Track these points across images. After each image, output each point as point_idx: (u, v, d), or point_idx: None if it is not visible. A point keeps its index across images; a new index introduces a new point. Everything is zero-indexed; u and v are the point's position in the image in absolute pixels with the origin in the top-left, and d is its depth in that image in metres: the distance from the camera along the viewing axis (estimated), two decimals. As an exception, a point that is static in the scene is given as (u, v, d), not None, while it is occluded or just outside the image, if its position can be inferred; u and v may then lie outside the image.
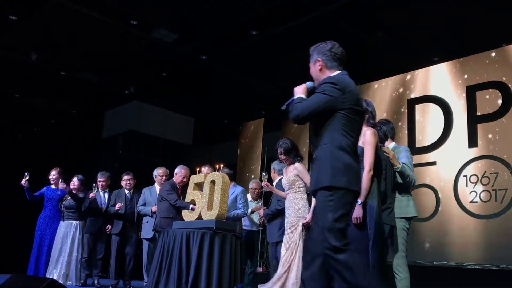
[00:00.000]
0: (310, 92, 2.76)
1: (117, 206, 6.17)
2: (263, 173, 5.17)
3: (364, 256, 3.16)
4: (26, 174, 6.27)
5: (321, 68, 2.74)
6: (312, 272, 2.51)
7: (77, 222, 6.25)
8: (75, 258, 6.13)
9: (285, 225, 4.58)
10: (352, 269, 2.42)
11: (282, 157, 4.70)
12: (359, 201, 3.19)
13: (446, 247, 6.15)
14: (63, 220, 6.25)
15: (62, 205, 6.31)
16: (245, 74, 8.26)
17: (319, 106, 2.58)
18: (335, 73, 2.71)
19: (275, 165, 5.31)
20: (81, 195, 6.28)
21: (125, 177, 6.46)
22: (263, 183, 5.05)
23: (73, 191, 6.26)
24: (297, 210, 4.51)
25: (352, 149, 2.64)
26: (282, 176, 4.92)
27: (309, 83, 2.82)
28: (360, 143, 3.42)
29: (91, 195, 6.20)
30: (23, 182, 6.25)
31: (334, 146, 2.58)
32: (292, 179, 4.59)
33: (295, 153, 4.69)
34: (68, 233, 6.16)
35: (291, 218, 4.51)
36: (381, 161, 3.51)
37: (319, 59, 2.75)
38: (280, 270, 4.35)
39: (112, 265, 6.20)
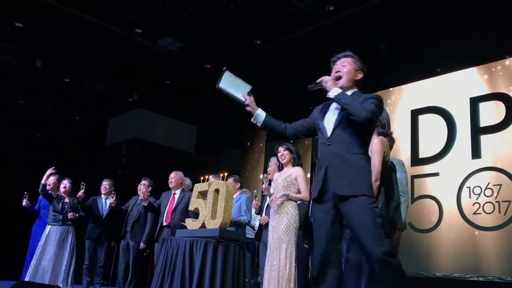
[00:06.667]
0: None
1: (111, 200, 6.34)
2: (264, 175, 4.85)
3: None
4: (25, 194, 6.22)
5: (358, 81, 2.81)
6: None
7: (69, 226, 5.92)
8: (66, 264, 5.75)
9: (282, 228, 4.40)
10: None
11: (287, 155, 4.59)
12: None
13: (449, 259, 6.11)
14: (60, 225, 5.85)
15: (60, 207, 5.90)
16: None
17: (377, 115, 2.73)
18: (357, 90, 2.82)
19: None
20: (67, 199, 6.04)
21: (142, 181, 6.17)
22: (263, 186, 4.77)
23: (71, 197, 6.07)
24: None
25: None
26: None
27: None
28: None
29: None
30: (24, 203, 6.20)
31: (368, 160, 2.72)
32: (290, 181, 4.49)
33: (298, 158, 4.67)
34: (60, 238, 5.81)
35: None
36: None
37: (362, 72, 2.82)
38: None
39: (119, 274, 6.13)
